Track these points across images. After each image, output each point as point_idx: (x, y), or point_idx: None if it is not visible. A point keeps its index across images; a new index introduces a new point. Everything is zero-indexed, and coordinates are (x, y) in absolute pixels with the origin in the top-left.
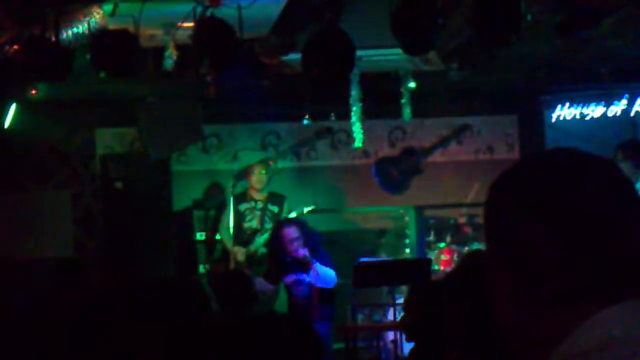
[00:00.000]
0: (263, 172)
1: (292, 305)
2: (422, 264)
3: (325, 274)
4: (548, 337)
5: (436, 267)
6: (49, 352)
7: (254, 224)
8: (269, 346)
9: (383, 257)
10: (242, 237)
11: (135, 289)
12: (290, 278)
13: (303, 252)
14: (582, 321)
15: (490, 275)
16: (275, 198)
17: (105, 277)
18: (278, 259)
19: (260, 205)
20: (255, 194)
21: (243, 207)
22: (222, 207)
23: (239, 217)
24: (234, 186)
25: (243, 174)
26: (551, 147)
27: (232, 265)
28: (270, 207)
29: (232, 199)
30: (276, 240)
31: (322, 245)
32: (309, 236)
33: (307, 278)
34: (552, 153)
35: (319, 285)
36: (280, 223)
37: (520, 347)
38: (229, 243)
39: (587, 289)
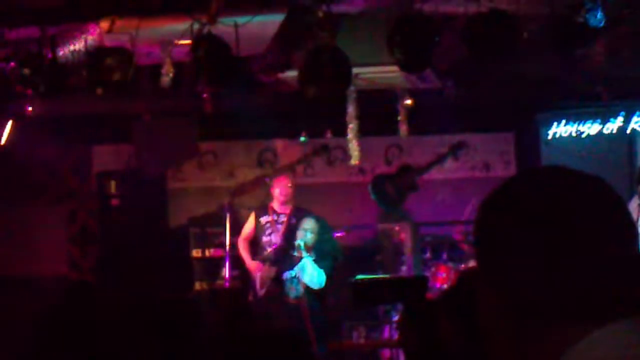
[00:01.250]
0: (291, 183)
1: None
2: (418, 281)
3: (313, 271)
4: (539, 357)
5: (432, 285)
6: None
7: (274, 237)
8: None
9: (379, 274)
10: (259, 251)
11: (130, 308)
12: (285, 274)
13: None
14: (575, 342)
15: (481, 293)
16: (298, 211)
17: (106, 296)
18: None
19: (283, 218)
20: (279, 206)
21: (264, 220)
22: (219, 225)
23: (258, 230)
24: (230, 203)
25: (239, 191)
26: (547, 164)
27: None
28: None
29: (252, 211)
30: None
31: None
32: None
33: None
34: (543, 171)
35: (306, 281)
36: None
37: None
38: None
39: (580, 308)
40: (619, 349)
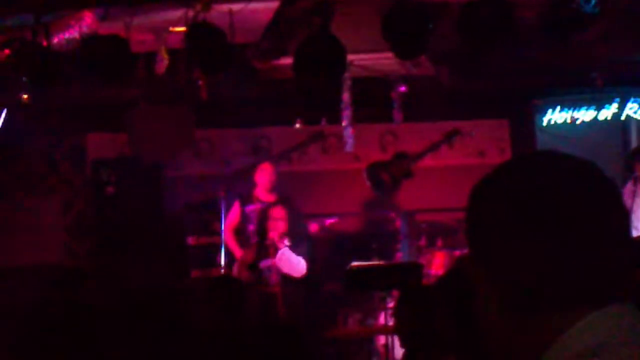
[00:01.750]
0: (273, 171)
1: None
2: (413, 268)
3: (294, 259)
4: (533, 343)
5: (427, 272)
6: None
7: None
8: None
9: (375, 261)
10: (244, 239)
11: (128, 296)
12: (264, 264)
13: (274, 234)
14: (567, 327)
15: (474, 281)
16: (283, 200)
17: (99, 284)
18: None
19: (268, 206)
20: (264, 194)
21: (248, 208)
22: (214, 212)
23: (244, 220)
24: (225, 190)
25: (236, 178)
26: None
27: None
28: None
29: (236, 200)
30: (263, 224)
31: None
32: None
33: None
34: (533, 156)
35: (285, 270)
36: (268, 204)
37: (505, 354)
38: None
39: (573, 293)
40: (609, 333)
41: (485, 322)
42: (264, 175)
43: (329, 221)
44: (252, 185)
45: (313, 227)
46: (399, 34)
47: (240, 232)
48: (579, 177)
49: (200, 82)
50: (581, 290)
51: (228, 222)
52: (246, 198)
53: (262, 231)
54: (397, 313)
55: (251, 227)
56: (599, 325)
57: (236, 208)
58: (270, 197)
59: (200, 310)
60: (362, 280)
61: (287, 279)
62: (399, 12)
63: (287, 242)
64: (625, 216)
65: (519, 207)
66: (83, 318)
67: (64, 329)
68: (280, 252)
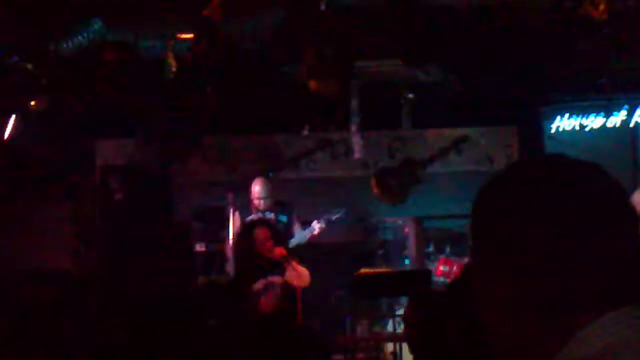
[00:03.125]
0: (265, 182)
1: (258, 315)
2: (421, 275)
3: (302, 271)
4: (544, 345)
5: (436, 279)
6: None
7: None
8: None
9: (383, 268)
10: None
11: (135, 304)
12: (259, 284)
13: (280, 250)
14: (578, 329)
15: (481, 285)
16: (283, 207)
17: (104, 293)
18: (247, 264)
19: (269, 215)
20: (260, 204)
21: (249, 219)
22: (222, 219)
23: (244, 229)
24: (234, 197)
25: (244, 185)
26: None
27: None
28: (280, 217)
29: (236, 211)
30: (246, 243)
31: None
32: (280, 235)
33: (280, 279)
34: (542, 160)
35: (296, 284)
36: (248, 225)
37: (515, 357)
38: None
39: (585, 295)
40: (626, 335)
41: (492, 327)
42: (256, 189)
43: (336, 217)
44: (251, 196)
45: (318, 228)
46: (408, 41)
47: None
48: (590, 179)
49: (208, 89)
50: (594, 292)
51: (231, 234)
52: (246, 208)
53: (253, 255)
54: (407, 320)
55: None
56: (611, 328)
57: (236, 218)
58: (269, 207)
59: (208, 315)
60: (369, 286)
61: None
62: (408, 19)
63: (292, 255)
64: (635, 217)
65: (528, 210)
66: (90, 321)
67: (72, 334)
68: (289, 269)
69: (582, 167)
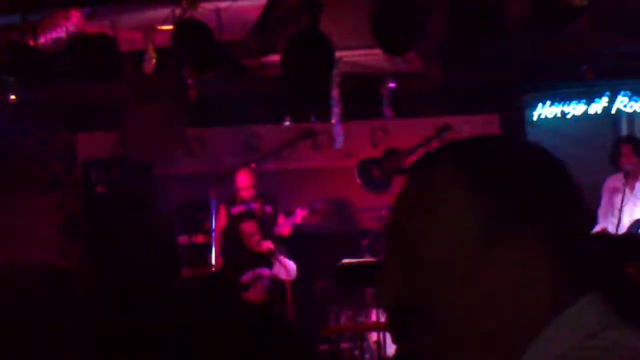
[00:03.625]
0: (249, 172)
1: (247, 307)
2: None
3: (289, 264)
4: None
5: None
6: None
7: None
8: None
9: (367, 258)
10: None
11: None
12: (247, 275)
13: (267, 244)
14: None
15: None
16: (267, 198)
17: (88, 284)
18: (235, 256)
19: (253, 205)
20: (245, 194)
21: (234, 210)
22: (205, 211)
23: (232, 220)
24: (217, 189)
25: (227, 177)
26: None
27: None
28: (265, 207)
29: (219, 201)
30: (233, 236)
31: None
32: (267, 227)
33: (268, 271)
34: (488, 140)
35: (284, 277)
36: (235, 218)
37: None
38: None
39: (551, 284)
40: (598, 323)
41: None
42: (241, 180)
43: (318, 204)
44: (235, 187)
45: (301, 214)
46: (388, 29)
47: (228, 234)
48: (531, 163)
49: (189, 81)
50: (560, 281)
51: (217, 226)
52: (231, 199)
53: (240, 248)
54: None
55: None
56: (582, 318)
57: (222, 210)
58: (254, 197)
59: (193, 309)
60: (353, 276)
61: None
62: (387, 8)
63: (279, 249)
64: (581, 204)
65: (484, 180)
66: (68, 316)
67: (52, 328)
68: (277, 262)
69: (526, 152)
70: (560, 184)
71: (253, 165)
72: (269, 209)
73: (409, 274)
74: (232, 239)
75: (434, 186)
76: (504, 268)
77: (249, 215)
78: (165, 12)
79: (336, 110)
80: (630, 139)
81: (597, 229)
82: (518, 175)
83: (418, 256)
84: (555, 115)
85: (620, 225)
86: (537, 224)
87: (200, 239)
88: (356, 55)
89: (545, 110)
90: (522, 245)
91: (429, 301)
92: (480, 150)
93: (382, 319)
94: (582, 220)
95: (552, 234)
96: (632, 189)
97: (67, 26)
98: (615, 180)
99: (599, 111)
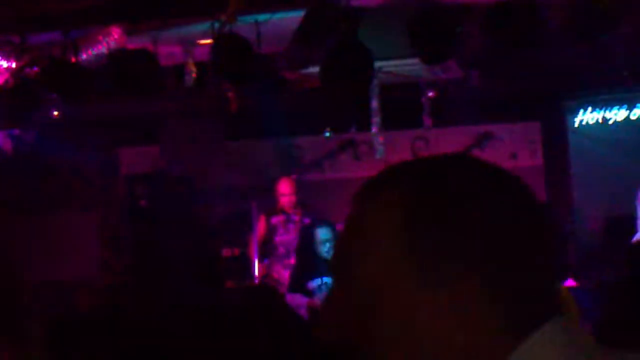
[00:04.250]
0: (290, 180)
1: (313, 313)
2: None
3: None
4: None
5: None
6: None
7: (287, 237)
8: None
9: None
10: (271, 251)
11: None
12: (315, 282)
13: None
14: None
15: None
16: (307, 209)
17: (137, 302)
18: (306, 263)
19: (294, 217)
20: (286, 201)
21: (274, 220)
22: (246, 223)
23: (270, 231)
24: (258, 201)
25: (269, 188)
26: (575, 152)
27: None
28: (304, 219)
29: (260, 213)
30: (306, 242)
31: None
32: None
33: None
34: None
35: None
36: (310, 225)
37: None
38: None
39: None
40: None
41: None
42: (282, 187)
43: None
44: (276, 196)
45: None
46: (426, 39)
47: (266, 244)
48: (501, 185)
49: (229, 94)
50: (513, 313)
51: (257, 236)
52: (271, 209)
53: (312, 254)
54: None
55: (277, 239)
56: (549, 343)
57: (262, 220)
58: (296, 209)
59: (239, 322)
60: None
61: None
62: (426, 17)
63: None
64: (550, 238)
65: (439, 211)
66: (128, 329)
67: (110, 344)
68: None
69: (491, 171)
70: (516, 217)
71: (294, 177)
72: (307, 221)
73: (345, 302)
74: (303, 246)
75: (374, 209)
76: (436, 310)
77: (322, 222)
78: (204, 26)
79: (376, 120)
80: None
81: (637, 237)
82: (465, 207)
83: (352, 279)
84: (597, 121)
85: None
86: (477, 265)
87: (242, 251)
88: (395, 65)
89: (587, 117)
90: (457, 287)
91: (357, 337)
92: (428, 175)
93: None
94: (540, 259)
95: (495, 275)
96: None
97: (108, 42)
98: None
99: None
